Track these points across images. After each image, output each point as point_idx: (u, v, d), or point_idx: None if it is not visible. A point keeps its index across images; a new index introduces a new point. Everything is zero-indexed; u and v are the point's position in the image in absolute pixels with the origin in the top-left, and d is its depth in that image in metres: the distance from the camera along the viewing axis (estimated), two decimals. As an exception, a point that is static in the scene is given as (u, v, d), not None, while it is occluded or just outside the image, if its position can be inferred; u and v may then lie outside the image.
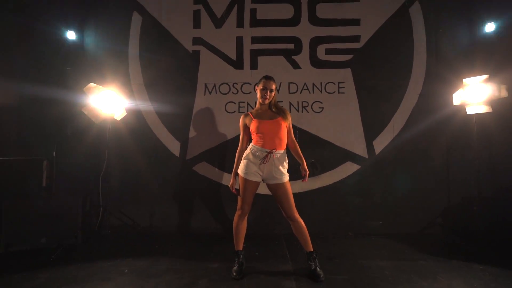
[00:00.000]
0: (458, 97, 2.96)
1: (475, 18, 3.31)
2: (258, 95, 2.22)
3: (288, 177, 2.17)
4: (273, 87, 2.19)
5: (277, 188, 2.13)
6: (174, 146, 3.45)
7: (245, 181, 2.14)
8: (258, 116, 2.20)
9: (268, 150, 2.11)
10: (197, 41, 3.52)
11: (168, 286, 1.97)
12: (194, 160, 3.43)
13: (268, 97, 2.18)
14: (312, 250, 2.14)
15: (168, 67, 3.50)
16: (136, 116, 3.44)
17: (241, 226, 2.19)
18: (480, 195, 2.98)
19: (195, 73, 3.50)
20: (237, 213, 2.20)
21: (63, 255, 2.53)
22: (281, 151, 2.15)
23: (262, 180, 2.17)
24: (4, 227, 2.61)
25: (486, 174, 3.09)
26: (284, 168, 2.15)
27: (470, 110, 2.91)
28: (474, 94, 2.85)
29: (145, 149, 3.42)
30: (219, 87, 3.48)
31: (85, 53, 3.48)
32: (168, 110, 3.44)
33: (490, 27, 3.19)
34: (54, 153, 2.92)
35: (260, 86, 2.21)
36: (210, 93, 3.48)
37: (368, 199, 3.34)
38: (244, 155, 2.20)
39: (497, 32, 3.15)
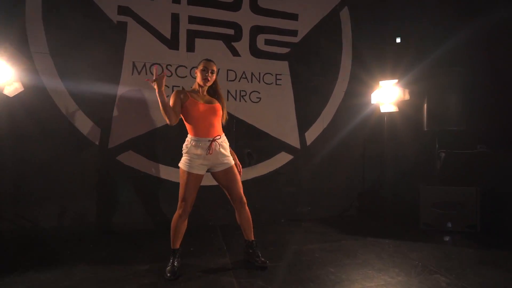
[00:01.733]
0: (375, 97, 3.41)
1: (388, 31, 3.84)
2: (198, 77, 2.06)
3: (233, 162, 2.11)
4: (214, 68, 2.08)
5: (226, 172, 2.06)
6: (92, 133, 2.93)
7: (189, 175, 1.97)
8: (195, 97, 2.04)
9: (211, 138, 1.99)
10: (124, 10, 3.03)
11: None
12: (119, 148, 3.00)
13: (209, 78, 2.04)
14: (254, 238, 2.16)
15: (85, 37, 2.92)
16: (39, 93, 2.77)
17: (181, 226, 2.00)
18: (384, 180, 3.56)
19: (120, 48, 3.03)
20: (178, 212, 1.99)
21: None
22: (221, 135, 2.08)
23: (208, 170, 2.06)
24: None
25: (390, 162, 3.68)
26: (227, 151, 2.09)
27: (383, 109, 3.38)
28: (386, 95, 3.32)
29: (53, 135, 2.81)
30: (149, 67, 3.10)
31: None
32: (84, 89, 2.89)
33: (398, 40, 3.78)
34: None
35: (200, 67, 2.06)
36: (139, 73, 3.07)
37: (299, 187, 3.57)
38: (184, 149, 2.03)
39: (402, 44, 3.75)
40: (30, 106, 2.73)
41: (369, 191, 3.79)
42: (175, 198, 3.00)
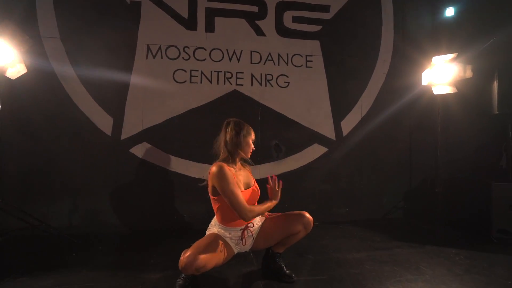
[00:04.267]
0: (426, 77, 2.85)
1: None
2: (243, 146, 1.57)
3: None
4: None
5: (262, 230, 1.64)
6: (104, 122, 2.67)
7: (219, 244, 1.49)
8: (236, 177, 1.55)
9: (243, 227, 1.57)
10: (137, -11, 2.76)
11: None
12: (132, 140, 2.70)
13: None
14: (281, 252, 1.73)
15: (96, 19, 2.68)
16: (48, 80, 2.55)
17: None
18: (437, 177, 2.96)
19: (134, 30, 2.75)
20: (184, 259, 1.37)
21: None
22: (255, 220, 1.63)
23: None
24: None
25: (446, 156, 3.09)
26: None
27: (436, 91, 2.82)
28: (440, 74, 2.76)
29: (63, 125, 2.57)
30: (165, 51, 2.79)
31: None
32: (96, 75, 2.63)
33: (450, 9, 3.19)
34: None
35: (249, 135, 1.60)
36: (154, 57, 2.78)
37: (335, 185, 3.09)
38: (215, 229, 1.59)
39: (457, 13, 3.15)
40: (38, 94, 2.51)
41: (418, 189, 3.21)
42: (194, 195, 2.70)
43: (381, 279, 1.68)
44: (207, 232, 1.60)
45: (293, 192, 2.95)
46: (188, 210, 2.76)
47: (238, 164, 1.61)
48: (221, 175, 1.45)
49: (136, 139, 2.70)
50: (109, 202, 2.64)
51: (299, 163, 3.00)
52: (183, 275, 1.50)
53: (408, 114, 3.20)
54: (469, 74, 2.70)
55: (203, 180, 1.61)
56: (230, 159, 1.56)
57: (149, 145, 2.72)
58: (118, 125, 2.68)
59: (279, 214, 1.71)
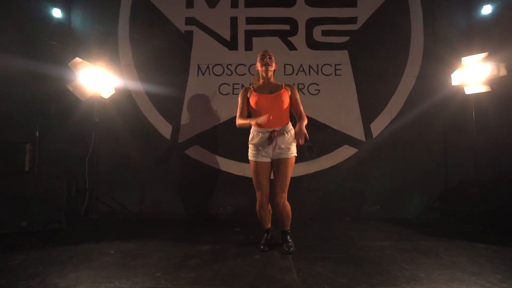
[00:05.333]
0: (457, 78, 2.91)
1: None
2: (258, 67, 2.11)
3: (294, 154, 2.05)
4: (271, 54, 2.10)
5: (279, 163, 2.03)
6: (165, 129, 3.31)
7: (255, 164, 2.05)
8: (258, 91, 2.09)
9: (270, 130, 2.01)
10: (190, 21, 3.40)
11: (155, 266, 1.82)
12: (186, 143, 3.30)
13: (268, 61, 2.05)
14: (287, 228, 2.13)
15: (159, 47, 3.37)
16: (125, 97, 3.29)
17: (264, 214, 2.10)
18: (478, 179, 2.93)
19: (187, 54, 3.38)
20: (257, 202, 2.07)
21: (45, 239, 2.36)
22: (284, 126, 2.05)
23: (271, 159, 2.06)
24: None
25: (483, 156, 3.04)
26: (289, 144, 2.03)
27: (468, 90, 2.85)
28: (472, 74, 2.80)
29: (135, 131, 3.28)
30: (212, 69, 3.36)
31: (72, 30, 3.31)
32: (159, 91, 3.30)
33: (487, 6, 3.17)
34: (37, 133, 2.75)
35: (258, 57, 2.12)
36: (203, 74, 3.36)
37: (365, 184, 3.26)
38: (249, 140, 2.11)
39: (494, 10, 3.12)
40: (119, 107, 3.25)
41: (456, 190, 3.19)
42: (237, 190, 3.17)
43: (397, 260, 1.88)
44: (248, 143, 2.11)
45: (324, 189, 3.22)
46: (232, 202, 3.23)
47: (270, 83, 2.09)
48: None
49: (190, 142, 3.29)
50: (170, 193, 3.25)
51: (330, 163, 3.26)
52: (264, 237, 2.16)
53: (441, 115, 3.24)
54: (503, 72, 2.70)
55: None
56: (259, 83, 2.13)
57: (200, 148, 3.28)
58: (175, 131, 3.31)
59: (285, 174, 2.02)
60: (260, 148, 2.03)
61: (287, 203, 2.05)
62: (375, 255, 1.99)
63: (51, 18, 3.19)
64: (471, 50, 2.89)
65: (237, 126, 2.11)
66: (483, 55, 2.73)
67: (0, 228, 2.48)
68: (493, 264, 1.82)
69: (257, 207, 2.08)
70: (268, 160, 2.05)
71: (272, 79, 2.12)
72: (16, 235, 2.44)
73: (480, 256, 1.96)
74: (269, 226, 2.17)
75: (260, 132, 2.03)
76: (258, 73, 2.13)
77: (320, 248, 2.16)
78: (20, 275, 1.65)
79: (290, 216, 2.09)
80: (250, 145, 2.09)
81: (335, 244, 2.24)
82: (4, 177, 2.69)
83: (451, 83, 2.96)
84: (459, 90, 2.98)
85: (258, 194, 2.05)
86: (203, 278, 1.64)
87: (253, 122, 1.99)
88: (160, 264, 1.84)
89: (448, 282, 1.57)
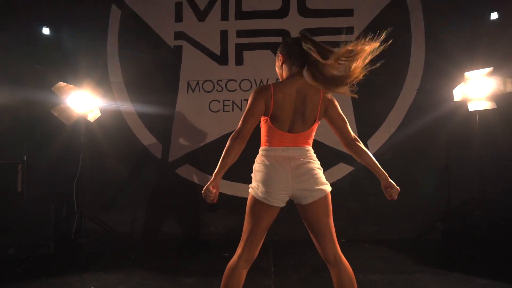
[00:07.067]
0: (459, 92, 2.73)
1: (478, 8, 3.05)
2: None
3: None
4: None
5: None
6: (155, 148, 3.25)
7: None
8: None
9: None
10: (179, 35, 3.30)
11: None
12: (177, 162, 3.23)
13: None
14: None
15: (149, 64, 3.29)
16: (115, 116, 3.24)
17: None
18: (484, 198, 2.76)
19: (177, 69, 3.29)
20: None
21: (30, 268, 2.34)
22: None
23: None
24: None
25: (489, 174, 2.86)
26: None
27: (472, 107, 2.67)
28: (476, 89, 2.62)
29: (125, 151, 3.23)
30: (202, 85, 3.26)
31: (61, 50, 3.26)
32: (149, 110, 3.23)
33: (493, 17, 2.96)
34: (25, 157, 2.73)
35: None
36: (193, 91, 3.27)
37: (362, 203, 3.13)
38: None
39: (500, 23, 2.90)
40: (108, 127, 3.18)
41: (459, 209, 3.02)
42: (229, 210, 3.09)
43: (372, 284, 1.77)
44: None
45: (319, 209, 3.10)
46: (222, 223, 3.15)
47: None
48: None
49: (180, 161, 3.21)
50: (161, 213, 3.20)
51: (325, 182, 3.13)
52: None
53: (444, 130, 3.05)
54: (510, 88, 2.51)
55: None
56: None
57: (191, 167, 3.20)
58: (166, 150, 3.24)
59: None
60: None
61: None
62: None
63: (40, 37, 3.15)
64: (475, 63, 2.70)
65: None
66: (488, 69, 2.53)
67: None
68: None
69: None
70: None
71: None
72: (4, 263, 2.44)
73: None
74: None
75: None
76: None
77: (309, 280, 2.07)
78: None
79: None
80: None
81: (325, 278, 2.13)
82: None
83: (453, 98, 2.78)
84: (462, 105, 2.80)
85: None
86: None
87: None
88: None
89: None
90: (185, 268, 2.35)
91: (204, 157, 3.20)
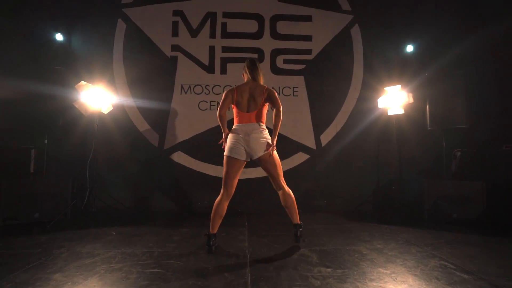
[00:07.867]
0: (382, 102, 3.82)
1: (400, 39, 4.22)
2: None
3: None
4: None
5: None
6: (153, 138, 3.99)
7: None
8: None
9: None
10: (175, 48, 4.10)
11: (148, 241, 2.53)
12: (171, 149, 3.99)
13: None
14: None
15: (149, 69, 4.04)
16: (120, 110, 3.94)
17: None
18: (401, 178, 3.86)
19: (173, 75, 4.08)
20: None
21: (56, 227, 2.98)
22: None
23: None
24: (1, 204, 3.01)
25: (405, 161, 3.98)
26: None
27: (390, 112, 3.77)
28: (392, 100, 3.72)
29: (128, 139, 3.93)
30: (193, 88, 4.08)
31: (73, 53, 3.91)
32: (148, 106, 3.98)
33: (409, 49, 4.13)
34: (46, 141, 3.35)
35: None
36: (185, 93, 4.07)
37: (316, 183, 4.10)
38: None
39: (413, 54, 4.09)
40: (115, 119, 3.89)
41: (384, 187, 4.11)
42: (213, 188, 3.89)
43: (320, 236, 2.71)
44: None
45: (283, 187, 4.02)
46: (208, 198, 3.96)
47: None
48: None
49: (174, 149, 3.99)
50: (157, 191, 3.93)
51: (287, 167, 4.06)
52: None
53: (373, 129, 4.15)
54: (411, 99, 3.64)
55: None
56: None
57: (182, 153, 3.99)
58: (162, 139, 3.99)
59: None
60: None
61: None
62: (306, 234, 2.80)
63: (54, 41, 3.78)
64: (392, 81, 3.83)
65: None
66: (398, 87, 3.65)
67: (16, 220, 3.07)
68: (382, 235, 2.69)
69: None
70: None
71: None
72: (31, 224, 3.04)
73: (377, 231, 2.83)
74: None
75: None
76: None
77: (279, 231, 2.95)
78: (50, 247, 2.31)
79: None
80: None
81: (286, 228, 3.03)
82: (17, 177, 3.27)
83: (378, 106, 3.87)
84: (385, 110, 3.90)
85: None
86: (183, 247, 2.37)
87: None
88: (151, 240, 2.55)
89: (349, 245, 2.41)
90: (180, 225, 3.12)
91: (194, 146, 4.00)
